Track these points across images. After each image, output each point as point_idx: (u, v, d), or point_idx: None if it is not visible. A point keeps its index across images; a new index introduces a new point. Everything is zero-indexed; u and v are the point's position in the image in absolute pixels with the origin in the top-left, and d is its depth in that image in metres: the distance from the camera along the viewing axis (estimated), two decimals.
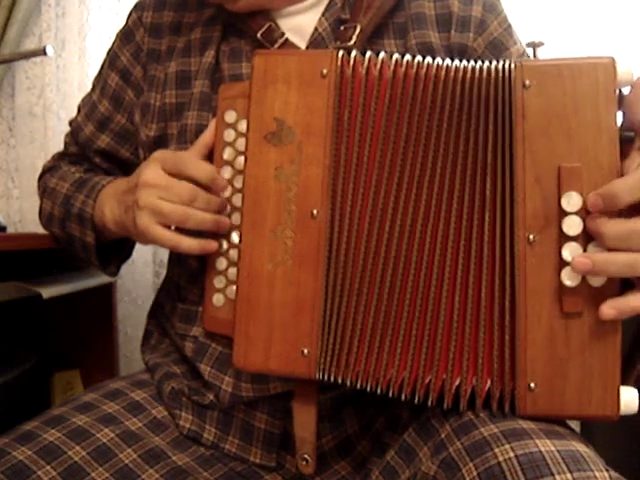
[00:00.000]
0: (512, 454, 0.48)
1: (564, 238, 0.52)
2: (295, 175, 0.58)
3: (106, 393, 0.69)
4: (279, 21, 0.71)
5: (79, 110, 0.86)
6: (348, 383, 0.58)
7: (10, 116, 1.52)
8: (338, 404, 0.67)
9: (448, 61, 0.57)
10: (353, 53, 0.58)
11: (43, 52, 1.18)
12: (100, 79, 0.82)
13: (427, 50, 0.69)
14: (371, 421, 0.69)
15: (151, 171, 0.62)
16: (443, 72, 0.56)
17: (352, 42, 0.66)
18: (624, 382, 0.52)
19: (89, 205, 0.73)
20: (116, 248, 0.80)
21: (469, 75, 0.56)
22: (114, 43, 0.81)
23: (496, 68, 0.55)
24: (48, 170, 0.86)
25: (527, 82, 0.53)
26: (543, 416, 0.53)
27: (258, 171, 0.59)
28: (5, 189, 1.52)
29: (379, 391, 0.57)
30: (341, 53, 0.58)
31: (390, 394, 0.57)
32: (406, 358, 0.57)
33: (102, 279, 1.23)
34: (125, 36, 0.79)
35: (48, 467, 0.58)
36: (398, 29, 0.71)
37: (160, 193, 0.61)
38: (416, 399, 0.56)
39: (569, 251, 0.52)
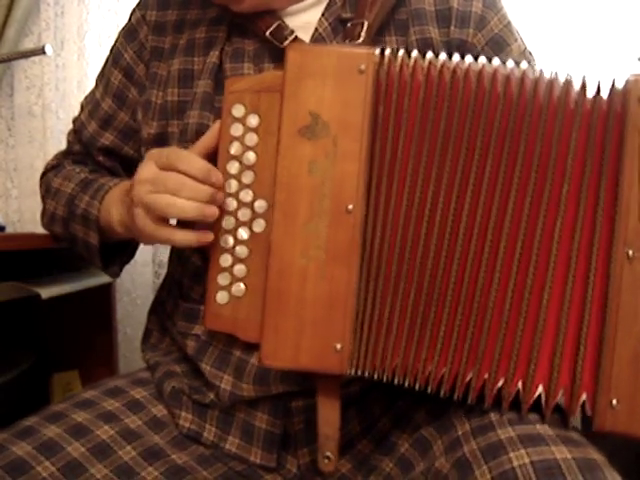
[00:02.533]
0: (527, 460, 0.48)
1: None
2: (329, 170, 0.58)
3: (106, 390, 0.68)
4: (286, 19, 0.71)
5: (82, 108, 0.85)
6: (384, 379, 0.58)
7: (9, 116, 1.52)
8: (342, 405, 0.66)
9: (498, 62, 0.56)
10: (387, 51, 0.58)
11: (42, 51, 1.17)
12: (103, 77, 0.82)
13: (427, 46, 0.69)
14: (374, 421, 0.69)
15: (145, 168, 0.61)
16: (489, 73, 0.55)
17: (361, 39, 0.66)
18: None
19: (94, 206, 0.73)
20: (119, 249, 0.79)
21: (532, 78, 0.55)
22: (117, 41, 0.81)
23: (610, 81, 0.54)
24: (51, 169, 0.85)
25: None
26: (618, 434, 0.52)
27: (291, 165, 0.59)
28: (4, 189, 1.52)
29: (417, 387, 0.57)
30: (378, 50, 0.58)
31: (429, 390, 0.57)
32: (447, 354, 0.56)
33: (101, 279, 1.22)
34: (128, 34, 0.79)
35: (47, 463, 0.58)
36: (400, 26, 0.71)
37: (149, 187, 0.59)
38: (455, 396, 0.56)
39: None
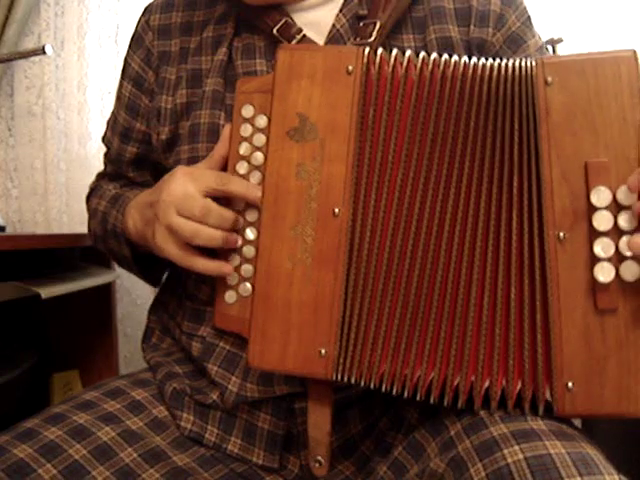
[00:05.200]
0: (521, 456, 0.47)
1: (595, 234, 0.52)
2: (317, 172, 0.57)
3: (107, 392, 0.68)
4: (294, 16, 0.70)
5: (107, 125, 0.85)
6: (372, 385, 0.57)
7: (9, 116, 1.52)
8: (344, 405, 0.66)
9: (474, 59, 0.56)
10: (379, 51, 0.58)
11: (42, 51, 1.17)
12: (118, 90, 0.82)
13: (447, 45, 0.68)
14: (375, 421, 0.69)
15: (179, 187, 0.61)
16: (470, 71, 0.56)
17: (372, 39, 0.65)
18: None
19: (119, 220, 0.74)
20: (155, 257, 0.80)
21: (495, 73, 0.55)
22: (127, 51, 0.81)
23: (519, 65, 0.55)
24: (92, 191, 0.87)
25: (549, 79, 0.53)
26: (580, 416, 0.52)
27: (279, 167, 0.58)
28: (4, 189, 1.52)
29: (406, 394, 0.56)
30: (367, 50, 0.58)
31: (418, 397, 0.56)
32: (434, 359, 0.56)
33: (101, 279, 1.22)
34: (135, 42, 0.79)
35: (49, 465, 0.58)
36: (417, 24, 0.70)
37: (177, 209, 0.60)
38: (445, 402, 0.55)
39: (601, 247, 0.51)
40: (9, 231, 1.38)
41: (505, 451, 0.48)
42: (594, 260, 0.52)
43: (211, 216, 0.59)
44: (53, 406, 0.65)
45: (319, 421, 0.61)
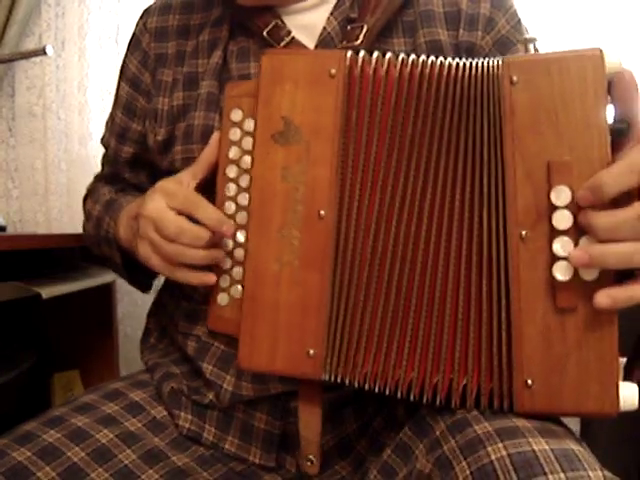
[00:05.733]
0: (505, 453, 0.48)
1: (555, 232, 0.51)
2: (302, 175, 0.58)
3: (105, 394, 0.69)
4: (286, 18, 0.71)
5: (105, 126, 0.87)
6: (356, 384, 0.58)
7: (10, 116, 1.53)
8: (338, 405, 0.67)
9: (449, 59, 0.56)
10: (361, 53, 0.58)
11: (43, 52, 1.18)
12: (116, 91, 0.83)
13: (436, 48, 0.68)
14: (369, 420, 0.69)
15: (153, 203, 0.62)
16: (445, 71, 0.56)
17: (359, 42, 0.65)
18: (629, 380, 0.52)
19: (112, 227, 0.75)
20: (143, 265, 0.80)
21: (467, 73, 0.55)
22: (125, 53, 0.82)
23: (487, 65, 0.55)
24: (88, 193, 0.88)
25: (514, 78, 0.53)
26: (541, 413, 0.52)
27: (265, 171, 0.59)
28: (5, 189, 1.53)
29: (387, 392, 0.57)
30: (349, 53, 0.58)
31: (399, 395, 0.56)
32: (413, 358, 0.56)
33: (102, 279, 1.23)
34: (133, 44, 0.80)
35: (47, 468, 0.58)
36: (407, 27, 0.70)
37: (154, 226, 0.61)
38: (424, 399, 0.56)
39: (560, 245, 0.51)
40: (10, 231, 1.39)
41: (489, 448, 0.49)
42: (554, 258, 0.51)
43: (185, 236, 0.60)
44: (51, 409, 0.66)
45: (310, 420, 0.62)
